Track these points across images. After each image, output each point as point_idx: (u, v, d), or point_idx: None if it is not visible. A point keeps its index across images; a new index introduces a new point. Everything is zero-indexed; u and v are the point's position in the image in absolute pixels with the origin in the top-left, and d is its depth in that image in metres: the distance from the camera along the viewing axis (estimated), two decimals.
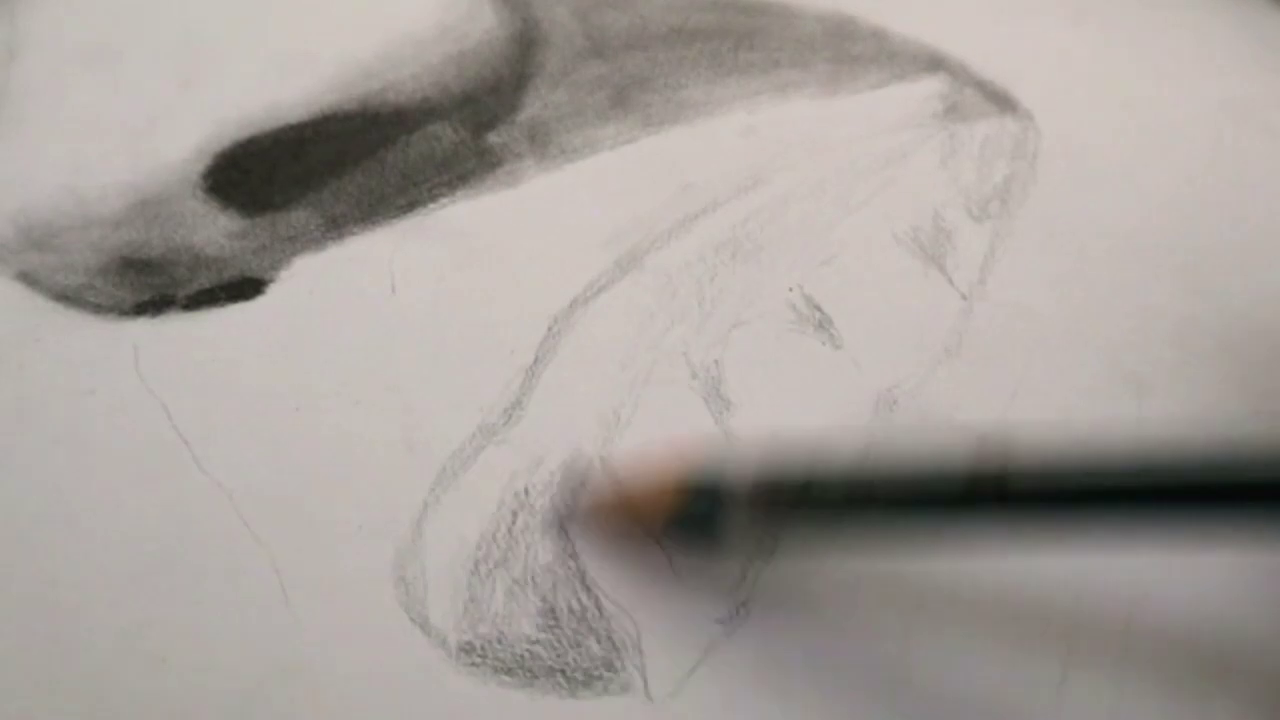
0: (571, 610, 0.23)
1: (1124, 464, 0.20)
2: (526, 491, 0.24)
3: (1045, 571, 0.25)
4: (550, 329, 0.26)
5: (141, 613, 0.22)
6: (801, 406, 0.26)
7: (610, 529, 0.24)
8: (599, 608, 0.23)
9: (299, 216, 0.27)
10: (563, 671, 0.23)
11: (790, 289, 0.28)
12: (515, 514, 0.24)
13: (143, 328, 0.25)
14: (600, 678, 0.23)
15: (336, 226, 0.27)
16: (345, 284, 0.26)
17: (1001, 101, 0.32)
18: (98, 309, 0.26)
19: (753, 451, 0.22)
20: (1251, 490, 0.19)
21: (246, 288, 0.26)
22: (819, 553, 0.23)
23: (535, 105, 0.30)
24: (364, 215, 0.27)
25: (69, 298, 0.26)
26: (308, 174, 0.28)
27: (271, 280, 0.26)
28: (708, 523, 0.22)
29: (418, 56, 0.30)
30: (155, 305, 0.26)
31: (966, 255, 0.29)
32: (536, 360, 0.26)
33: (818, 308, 0.28)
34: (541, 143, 0.29)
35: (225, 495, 0.24)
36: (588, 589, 0.24)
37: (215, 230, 0.27)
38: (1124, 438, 0.20)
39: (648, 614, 0.24)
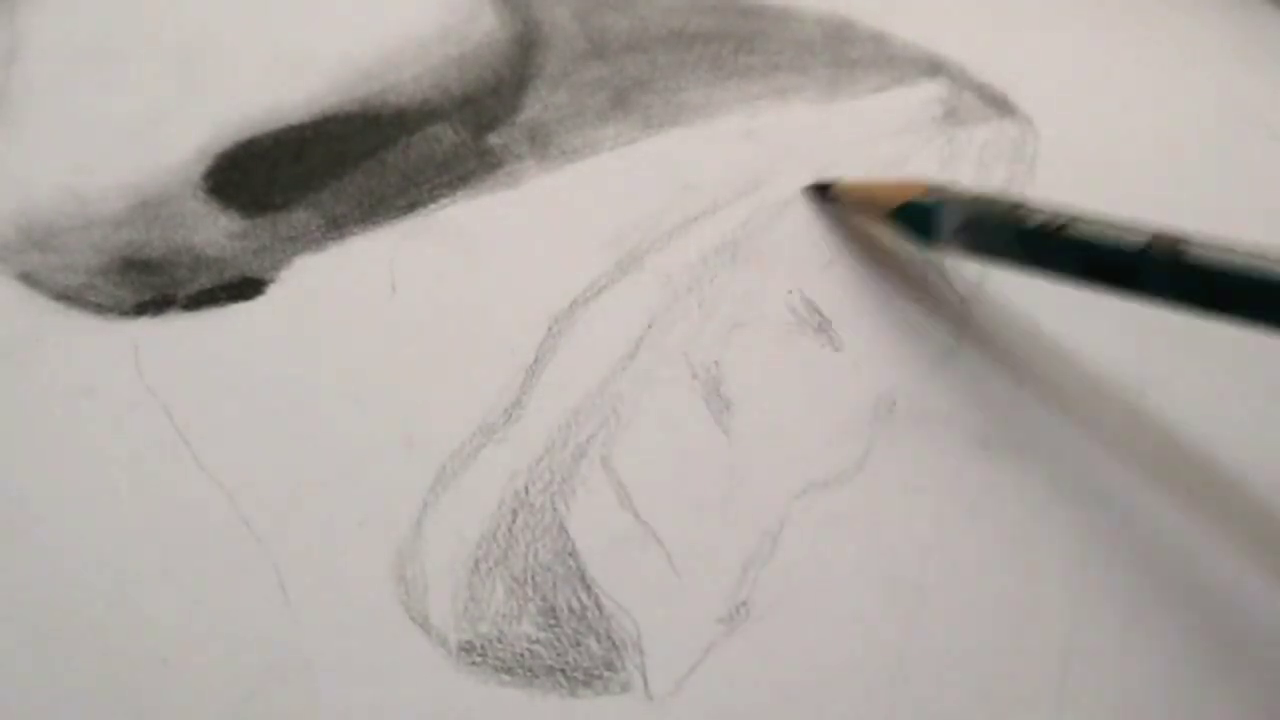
0: (572, 609, 0.23)
1: None
2: (526, 490, 0.24)
3: (1045, 572, 0.25)
4: (550, 329, 0.26)
5: (141, 612, 0.22)
6: (801, 407, 0.26)
7: (854, 205, 0.29)
8: (599, 607, 0.23)
9: (300, 217, 0.27)
10: (563, 670, 0.23)
11: (790, 291, 0.28)
12: (515, 513, 0.24)
13: (143, 328, 0.25)
14: (600, 677, 0.23)
15: (337, 227, 0.27)
16: (346, 284, 0.26)
17: (1000, 105, 0.32)
18: (98, 309, 0.26)
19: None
20: None
21: (247, 288, 0.26)
22: (1010, 267, 0.27)
23: (536, 106, 0.30)
24: (364, 216, 0.27)
25: (70, 298, 0.26)
26: (308, 175, 0.28)
27: (272, 280, 0.26)
28: (931, 214, 0.27)
29: (419, 58, 0.30)
30: (156, 305, 0.26)
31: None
32: (537, 360, 0.26)
33: (817, 310, 0.28)
34: (542, 144, 0.29)
35: (225, 494, 0.24)
36: (588, 588, 0.24)
37: (216, 230, 0.27)
38: None
39: (648, 613, 0.24)
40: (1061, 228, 0.25)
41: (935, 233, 0.27)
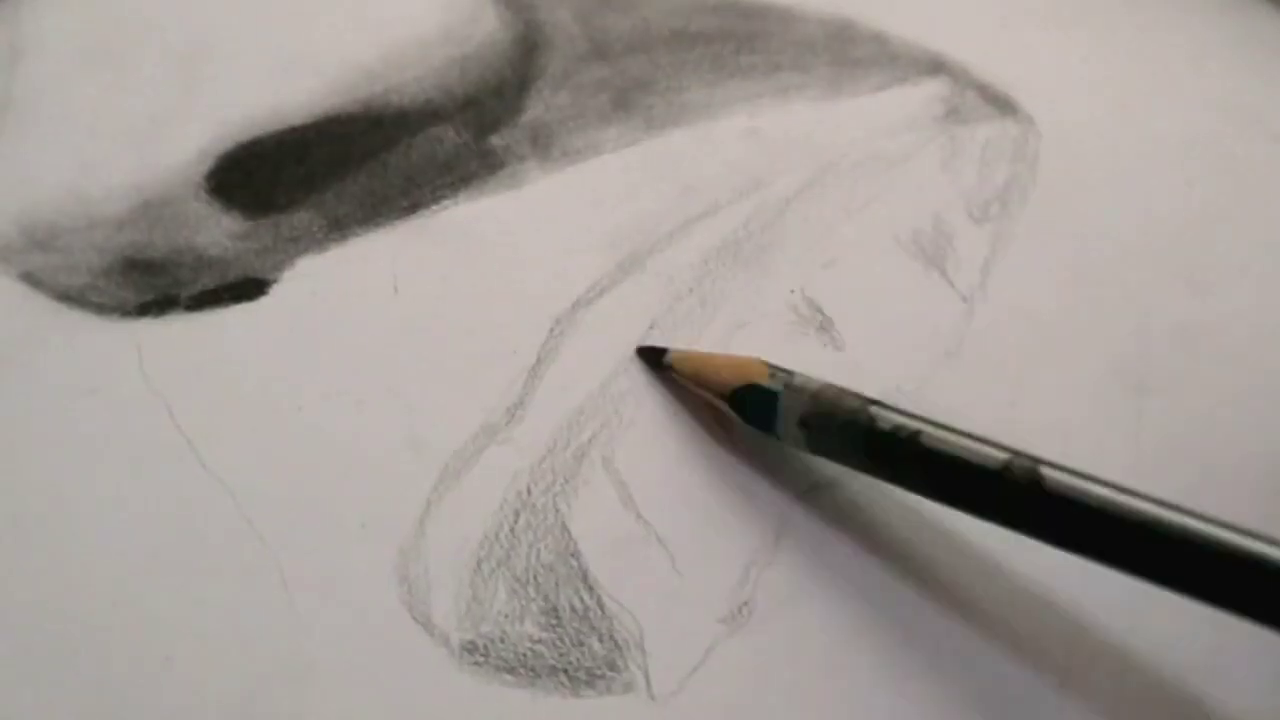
0: (574, 609, 0.23)
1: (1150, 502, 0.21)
2: (529, 491, 0.24)
3: (1045, 571, 0.25)
4: (552, 330, 0.27)
5: (145, 612, 0.22)
6: None
7: (688, 381, 0.26)
8: (601, 607, 0.24)
9: (302, 218, 0.27)
10: (565, 671, 0.23)
11: (792, 290, 0.28)
12: (518, 513, 0.24)
13: (146, 328, 0.25)
14: (603, 677, 0.23)
15: (339, 228, 0.27)
16: (348, 285, 0.26)
17: (1002, 105, 0.32)
18: (101, 309, 0.26)
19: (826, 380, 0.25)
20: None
21: (250, 288, 0.26)
22: (857, 469, 0.25)
23: (538, 107, 0.30)
24: (367, 216, 0.27)
25: (72, 298, 0.26)
26: (311, 176, 0.28)
27: (274, 281, 0.26)
28: (770, 402, 0.25)
29: (421, 59, 0.30)
30: (159, 306, 0.26)
31: (967, 258, 0.29)
32: (539, 361, 0.26)
33: (819, 310, 0.28)
34: (544, 145, 0.29)
35: (228, 495, 0.24)
36: (590, 588, 0.24)
37: (218, 231, 0.27)
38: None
39: (650, 613, 0.24)
40: (914, 435, 0.23)
41: (775, 422, 0.25)
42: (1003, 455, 0.22)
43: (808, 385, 0.25)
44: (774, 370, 0.25)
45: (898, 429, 0.23)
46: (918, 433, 0.23)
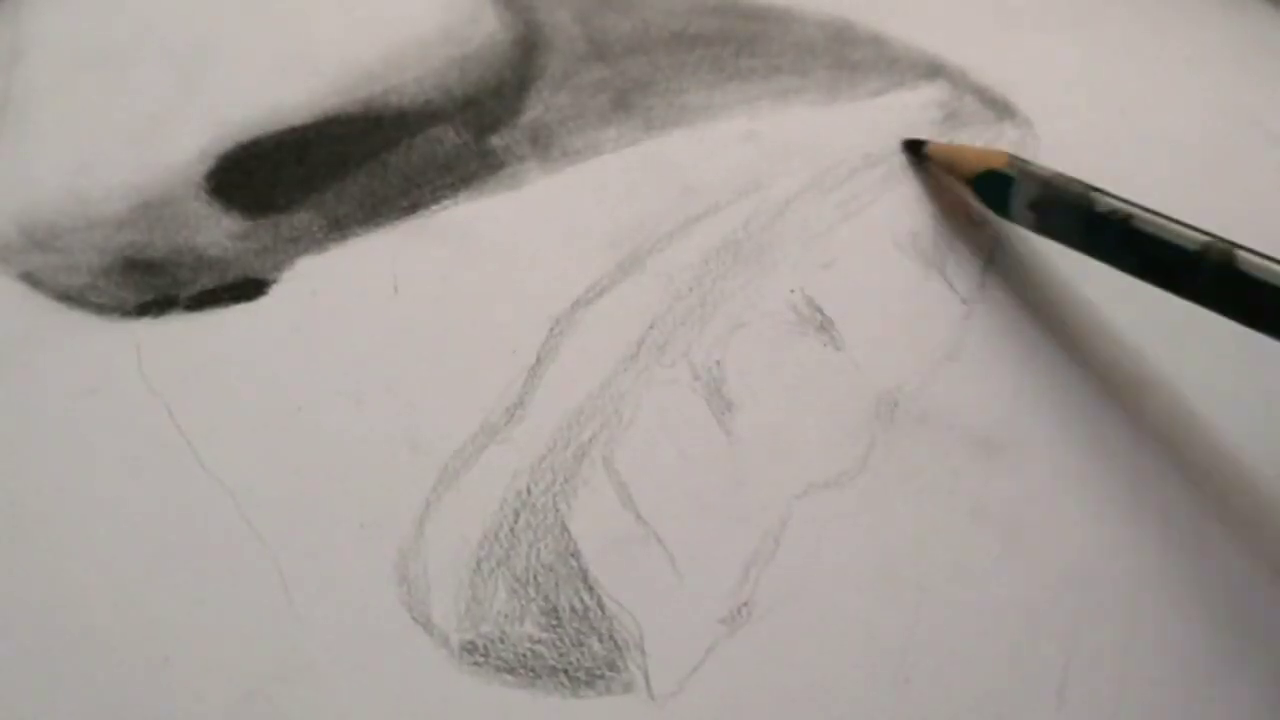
0: (574, 609, 0.23)
1: None
2: (528, 491, 0.24)
3: (1046, 572, 0.25)
4: (552, 330, 0.27)
5: (144, 612, 0.22)
6: (802, 408, 0.26)
7: (941, 166, 0.30)
8: (601, 607, 0.24)
9: (302, 218, 0.27)
10: (565, 671, 0.23)
11: (791, 290, 0.28)
12: (517, 513, 0.24)
13: (146, 328, 0.25)
14: (603, 677, 0.23)
15: (339, 228, 0.27)
16: (348, 285, 0.26)
17: (1000, 108, 0.32)
18: (101, 309, 0.26)
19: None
20: None
21: (249, 288, 0.26)
22: (1073, 246, 0.27)
23: (537, 108, 0.30)
24: (366, 217, 0.27)
25: (72, 298, 0.26)
26: (310, 176, 0.28)
27: (274, 281, 0.26)
28: (1005, 185, 0.28)
29: (421, 60, 0.30)
30: (158, 306, 0.26)
31: (966, 260, 0.29)
32: (538, 361, 0.26)
33: (819, 310, 0.28)
34: (544, 145, 0.29)
35: (228, 494, 0.24)
36: (590, 588, 0.24)
37: (218, 231, 0.27)
38: None
39: (650, 613, 0.24)
40: (1127, 218, 0.26)
41: (1010, 203, 0.28)
42: (1203, 238, 0.25)
43: (1040, 172, 0.28)
44: (1013, 159, 0.29)
45: (1113, 211, 0.26)
46: (1130, 216, 0.26)
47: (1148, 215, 0.26)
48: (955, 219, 0.30)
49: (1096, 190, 0.27)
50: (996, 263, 0.29)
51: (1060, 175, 0.28)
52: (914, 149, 0.31)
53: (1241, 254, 0.25)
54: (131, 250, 0.26)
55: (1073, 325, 0.28)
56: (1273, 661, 0.25)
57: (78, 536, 0.23)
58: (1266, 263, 0.24)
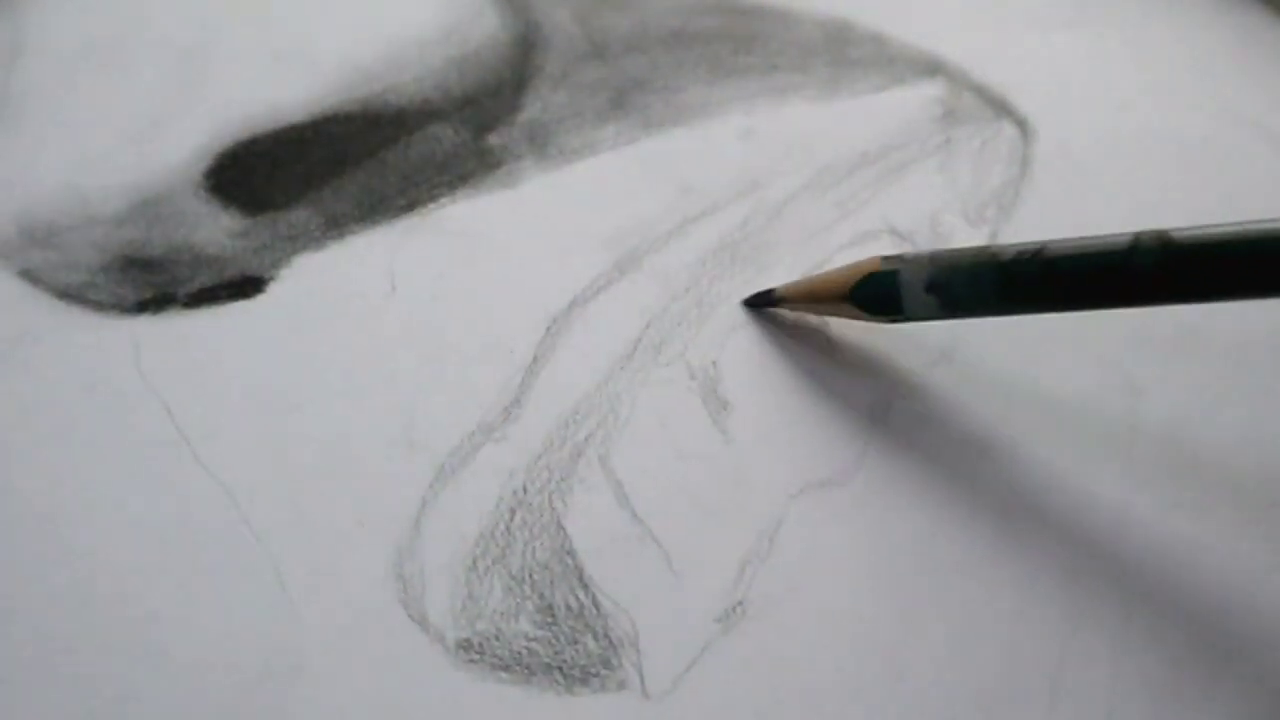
0: (569, 607, 0.23)
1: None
2: (525, 489, 0.24)
3: (1042, 572, 0.25)
4: (549, 329, 0.27)
5: (141, 609, 0.22)
6: (798, 408, 0.27)
7: (803, 306, 0.27)
8: (596, 605, 0.24)
9: (300, 216, 0.27)
10: (560, 668, 0.23)
11: None
12: (513, 511, 0.24)
13: (144, 325, 0.26)
14: (597, 675, 0.23)
15: (337, 226, 0.27)
16: (345, 283, 0.27)
17: (999, 106, 0.32)
18: (99, 307, 0.26)
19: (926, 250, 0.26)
20: None
21: (247, 286, 0.26)
22: (992, 313, 0.25)
23: (535, 107, 0.30)
24: (364, 215, 0.28)
25: (71, 295, 0.26)
26: (309, 174, 0.28)
27: (272, 279, 0.26)
28: (891, 283, 0.25)
29: (419, 59, 0.30)
30: (156, 303, 0.26)
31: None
32: (535, 359, 0.26)
33: None
34: (541, 144, 0.29)
35: (225, 492, 0.24)
36: (585, 586, 0.24)
37: (216, 229, 0.27)
38: None
39: (645, 611, 0.24)
40: (1039, 252, 0.24)
41: (902, 300, 0.25)
42: (1128, 235, 0.23)
43: (921, 255, 0.26)
44: (884, 259, 0.26)
45: (1021, 253, 0.24)
46: (1041, 248, 0.24)
47: (1059, 240, 0.24)
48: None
49: (987, 246, 0.25)
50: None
51: (941, 250, 0.26)
52: (759, 302, 0.27)
53: (1174, 232, 0.23)
54: (130, 248, 0.26)
55: (1070, 325, 0.28)
56: (1266, 660, 0.25)
57: (74, 533, 0.23)
58: (1200, 229, 0.23)
